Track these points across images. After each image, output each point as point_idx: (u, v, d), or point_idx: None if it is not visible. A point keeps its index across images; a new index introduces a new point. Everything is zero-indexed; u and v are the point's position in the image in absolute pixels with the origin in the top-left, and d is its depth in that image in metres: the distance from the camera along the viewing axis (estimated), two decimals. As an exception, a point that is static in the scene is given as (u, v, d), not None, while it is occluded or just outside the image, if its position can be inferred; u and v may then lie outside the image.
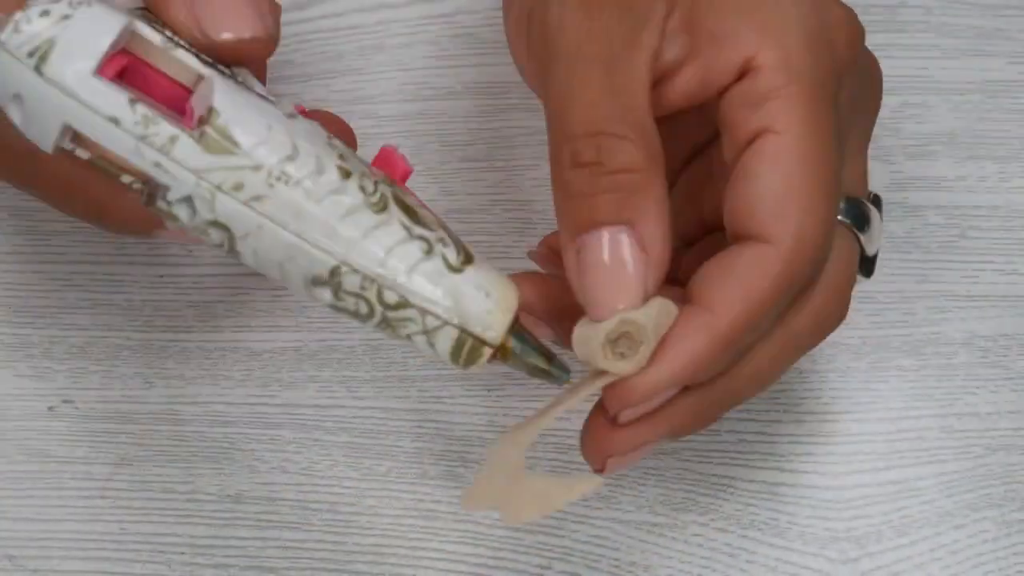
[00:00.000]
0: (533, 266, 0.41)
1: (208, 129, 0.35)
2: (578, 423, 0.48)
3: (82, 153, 0.36)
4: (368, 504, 0.47)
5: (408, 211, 0.37)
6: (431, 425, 0.48)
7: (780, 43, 0.37)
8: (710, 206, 0.41)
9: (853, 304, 0.49)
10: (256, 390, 0.49)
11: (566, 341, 0.38)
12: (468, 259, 0.37)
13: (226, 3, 0.37)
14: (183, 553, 0.47)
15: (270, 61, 0.52)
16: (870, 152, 0.50)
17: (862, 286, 0.41)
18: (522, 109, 0.50)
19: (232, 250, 0.36)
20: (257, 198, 0.35)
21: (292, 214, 0.35)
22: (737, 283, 0.36)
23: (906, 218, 0.50)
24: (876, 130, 0.50)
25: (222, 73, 0.36)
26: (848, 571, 0.46)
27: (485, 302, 0.36)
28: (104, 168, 0.36)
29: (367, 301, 0.36)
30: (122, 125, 0.35)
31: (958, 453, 0.47)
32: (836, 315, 0.40)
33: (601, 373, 0.36)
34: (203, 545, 0.47)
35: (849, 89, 0.38)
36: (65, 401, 0.49)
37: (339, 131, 0.40)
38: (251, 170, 0.35)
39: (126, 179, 0.36)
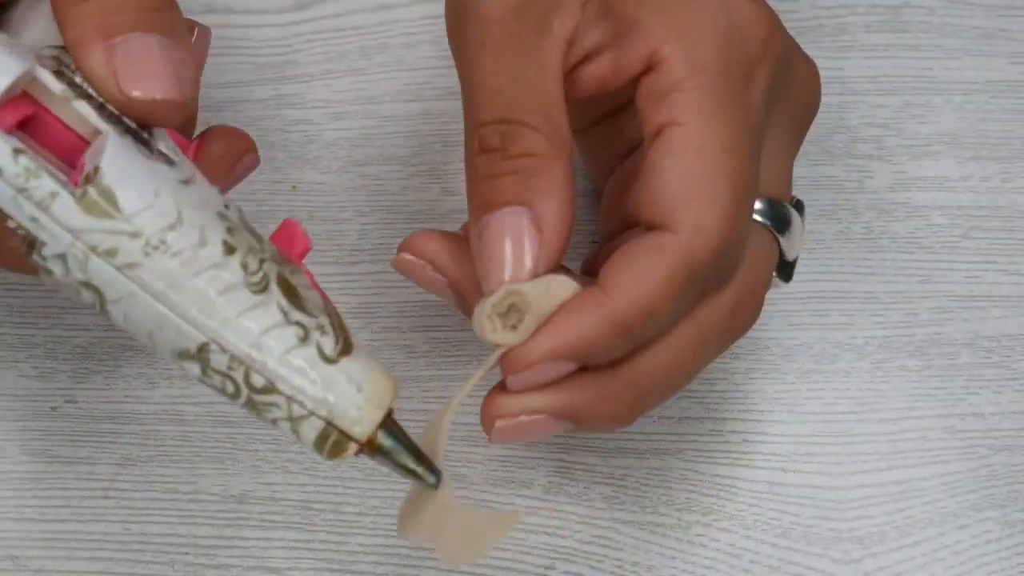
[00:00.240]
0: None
1: (91, 189, 0.34)
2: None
3: None
4: (372, 504, 0.47)
5: (291, 294, 0.36)
6: (434, 425, 0.48)
7: (685, 37, 0.38)
8: (634, 201, 0.41)
9: (856, 304, 0.49)
10: (259, 390, 0.49)
11: (466, 310, 0.39)
12: (346, 350, 0.36)
13: (144, 58, 0.36)
14: (186, 553, 0.47)
15: (272, 61, 0.52)
16: (872, 152, 0.51)
17: (865, 283, 0.42)
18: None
19: (103, 311, 0.35)
20: (131, 265, 0.35)
21: (166, 285, 0.35)
22: (635, 267, 0.37)
23: (909, 218, 0.50)
24: (880, 130, 0.51)
25: (127, 128, 0.36)
26: (851, 571, 0.46)
27: (356, 397, 0.36)
28: None
29: (234, 382, 0.35)
30: (4, 175, 0.34)
31: (961, 453, 0.47)
32: (748, 316, 0.40)
33: (497, 347, 0.37)
34: (206, 545, 0.47)
35: (765, 85, 0.39)
36: (68, 401, 0.49)
37: (239, 147, 0.40)
38: (129, 236, 0.34)
39: (11, 223, 0.35)
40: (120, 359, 0.49)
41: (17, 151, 0.34)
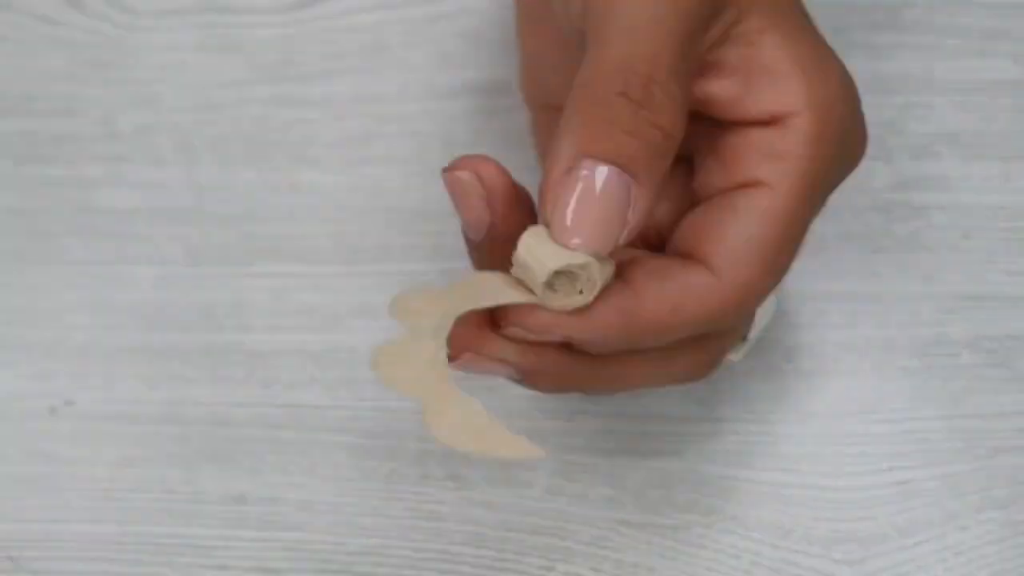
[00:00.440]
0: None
1: None
2: (582, 423, 0.48)
3: None
4: (371, 505, 0.47)
5: None
6: (434, 426, 0.48)
7: (821, 116, 0.38)
8: (684, 231, 0.40)
9: (857, 304, 0.49)
10: (258, 391, 0.49)
11: (481, 261, 0.38)
12: None
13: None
14: (185, 554, 0.47)
15: (272, 61, 0.52)
16: (873, 152, 0.50)
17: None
18: (524, 109, 0.50)
19: None
20: None
21: None
22: (671, 293, 0.37)
23: (910, 218, 0.50)
24: (880, 130, 0.51)
25: None
26: (853, 572, 0.46)
27: None
28: None
29: None
30: None
31: (963, 454, 0.47)
32: (697, 372, 0.41)
33: (526, 290, 0.36)
34: (205, 546, 0.47)
35: (829, 193, 0.40)
36: (67, 402, 0.49)
37: None
38: None
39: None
40: (119, 360, 0.49)
41: None
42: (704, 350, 0.40)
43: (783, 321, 0.49)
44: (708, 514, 0.47)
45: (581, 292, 0.37)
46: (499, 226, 0.37)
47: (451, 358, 0.38)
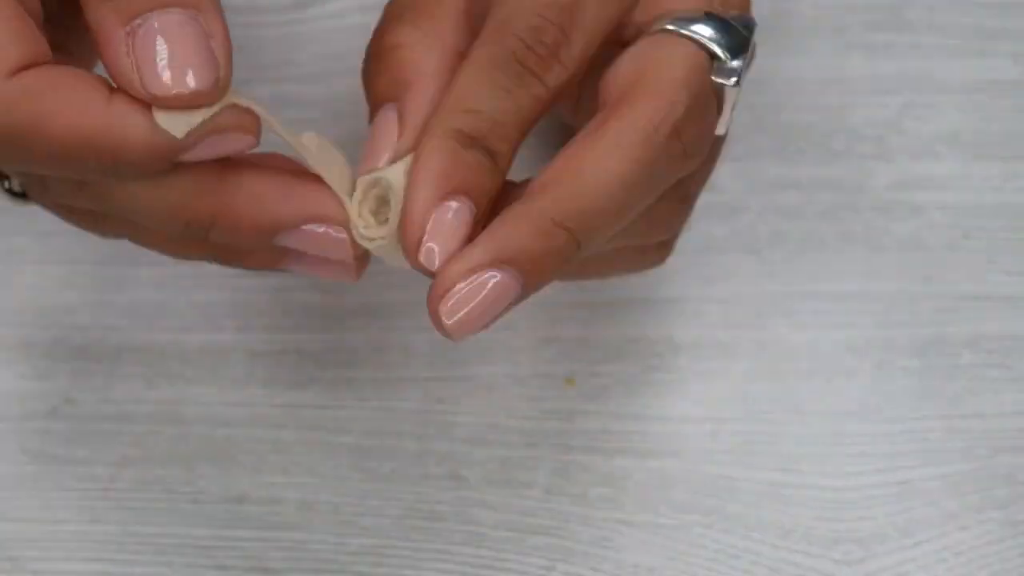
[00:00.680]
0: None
1: None
2: (581, 423, 0.48)
3: None
4: (371, 505, 0.47)
5: None
6: (433, 426, 0.48)
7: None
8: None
9: (857, 304, 0.49)
10: (258, 391, 0.49)
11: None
12: None
13: (168, 43, 0.34)
14: (185, 554, 0.47)
15: (272, 61, 0.52)
16: (873, 152, 0.51)
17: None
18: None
19: None
20: None
21: None
22: (579, 153, 0.37)
23: (910, 218, 0.50)
24: (881, 130, 0.51)
25: None
26: (852, 573, 0.46)
27: None
28: None
29: None
30: None
31: (963, 454, 0.47)
32: (696, 141, 0.39)
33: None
34: (205, 546, 0.47)
35: None
36: (67, 402, 0.49)
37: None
38: None
39: None
40: (119, 359, 0.49)
41: None
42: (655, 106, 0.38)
43: (783, 321, 0.49)
44: (708, 514, 0.47)
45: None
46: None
47: (448, 329, 0.36)
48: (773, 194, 0.50)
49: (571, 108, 0.42)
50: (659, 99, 0.37)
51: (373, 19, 0.52)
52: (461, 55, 0.38)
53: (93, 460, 0.48)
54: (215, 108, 0.35)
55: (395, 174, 0.37)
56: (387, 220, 0.37)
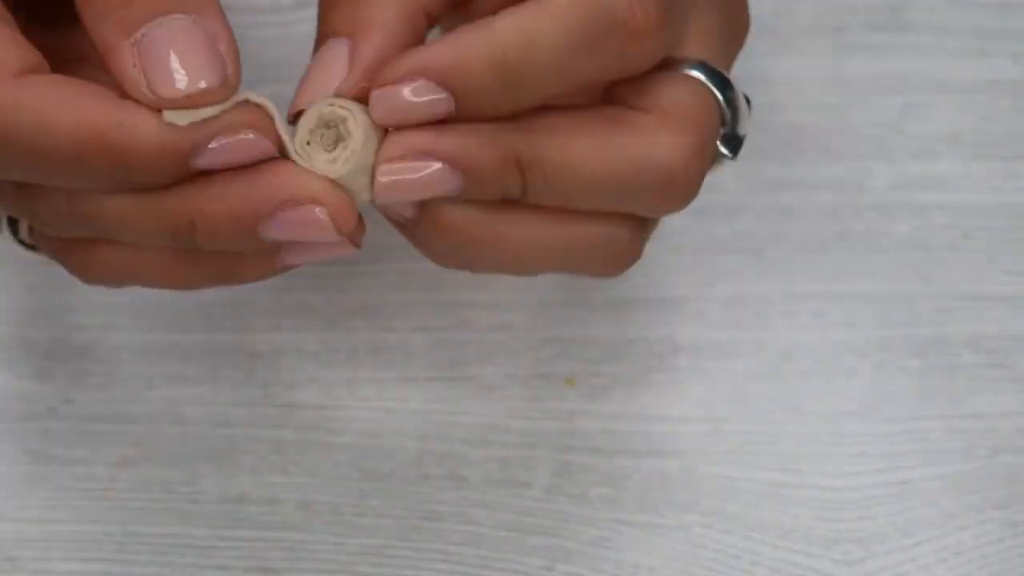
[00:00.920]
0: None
1: None
2: (581, 423, 0.48)
3: None
4: (371, 505, 0.47)
5: None
6: (433, 426, 0.48)
7: None
8: None
9: (857, 304, 0.49)
10: (258, 391, 0.49)
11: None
12: None
13: (173, 49, 0.35)
14: (184, 554, 0.47)
15: (272, 61, 0.51)
16: (873, 152, 0.51)
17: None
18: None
19: None
20: None
21: None
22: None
23: (910, 218, 0.50)
24: (880, 130, 0.51)
25: None
26: (852, 573, 0.46)
27: None
28: None
29: None
30: None
31: (963, 454, 0.47)
32: (682, 175, 0.37)
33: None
34: (205, 546, 0.47)
35: None
36: (66, 402, 0.49)
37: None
38: None
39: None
40: (118, 360, 0.49)
41: None
42: (649, 124, 0.37)
43: (783, 321, 0.49)
44: (708, 514, 0.47)
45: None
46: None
47: (374, 196, 0.37)
48: (773, 194, 0.50)
49: None
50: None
51: (373, 19, 0.52)
52: (423, 9, 0.37)
53: (93, 460, 0.48)
54: (225, 105, 0.35)
55: (353, 107, 0.36)
56: (334, 150, 0.36)
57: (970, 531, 0.47)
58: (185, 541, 0.47)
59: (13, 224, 0.41)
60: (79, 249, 0.38)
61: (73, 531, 0.47)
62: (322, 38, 0.38)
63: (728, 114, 0.39)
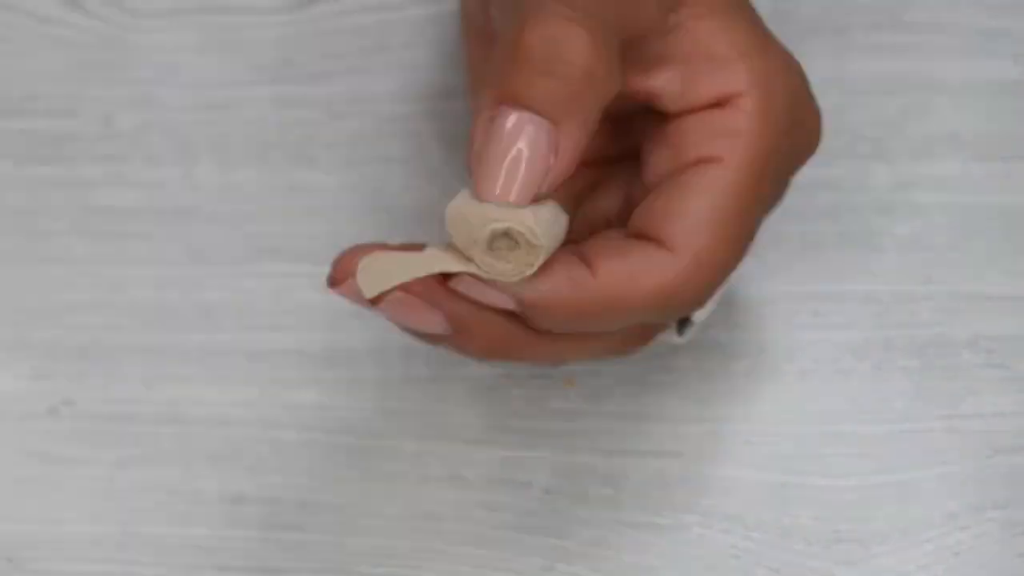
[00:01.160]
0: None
1: None
2: (581, 424, 0.48)
3: None
4: (371, 505, 0.47)
5: None
6: (433, 427, 0.48)
7: (766, 94, 0.38)
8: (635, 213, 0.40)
9: (856, 304, 0.49)
10: (258, 391, 0.49)
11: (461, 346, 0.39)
12: None
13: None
14: (185, 554, 0.47)
15: (272, 61, 0.52)
16: (872, 152, 0.51)
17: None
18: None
19: None
20: None
21: None
22: (627, 267, 0.37)
23: (910, 218, 0.50)
24: (881, 131, 0.51)
25: None
26: (852, 573, 0.46)
27: None
28: None
29: None
30: None
31: (962, 454, 0.47)
32: (629, 347, 0.41)
33: (469, 259, 0.36)
34: (205, 546, 0.47)
35: (789, 179, 0.41)
36: (66, 402, 0.49)
37: None
38: None
39: None
40: (119, 359, 0.49)
41: None
42: (641, 330, 0.40)
43: (782, 321, 0.49)
44: (708, 514, 0.47)
45: (529, 265, 0.36)
46: (459, 311, 0.38)
47: (375, 303, 0.37)
48: (773, 194, 0.50)
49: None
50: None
51: (373, 19, 0.52)
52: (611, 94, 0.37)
53: (93, 460, 0.48)
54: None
55: (539, 225, 0.35)
56: (498, 250, 0.36)
57: (970, 531, 0.47)
58: (185, 541, 0.47)
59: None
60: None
61: (73, 531, 0.47)
62: (512, 100, 0.36)
63: None
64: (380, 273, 0.37)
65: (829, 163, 0.50)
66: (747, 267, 0.49)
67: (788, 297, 0.49)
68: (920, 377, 0.48)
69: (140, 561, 0.47)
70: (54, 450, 0.48)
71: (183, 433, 0.48)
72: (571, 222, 0.39)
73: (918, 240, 0.50)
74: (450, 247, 0.37)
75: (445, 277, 0.38)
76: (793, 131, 0.40)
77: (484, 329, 0.38)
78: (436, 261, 0.36)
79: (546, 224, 0.36)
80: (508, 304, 0.37)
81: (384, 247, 0.38)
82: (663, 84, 0.39)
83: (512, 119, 0.35)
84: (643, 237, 0.38)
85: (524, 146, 0.35)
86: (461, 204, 0.36)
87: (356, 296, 0.38)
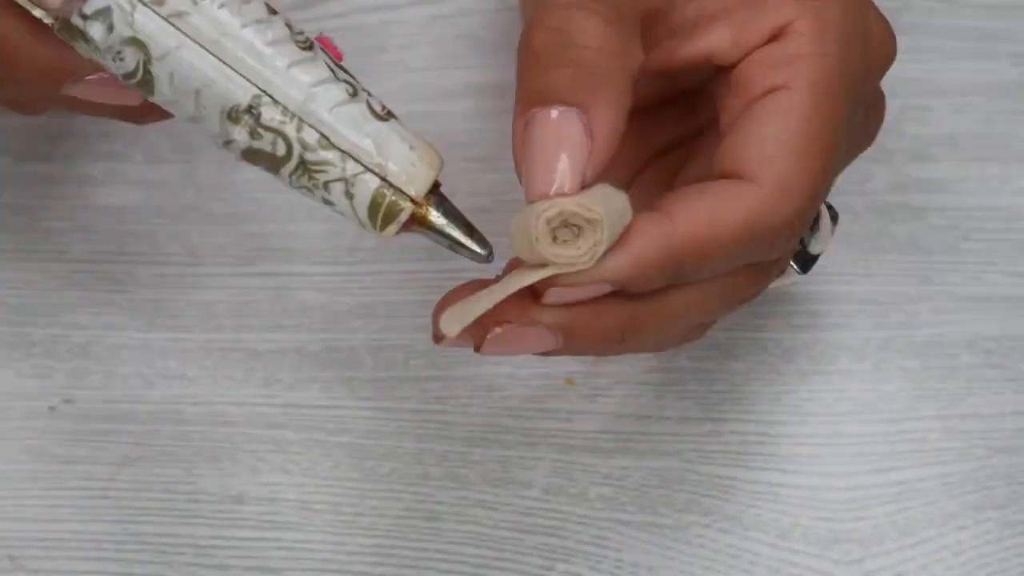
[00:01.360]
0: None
1: None
2: (581, 424, 0.48)
3: None
4: (370, 505, 0.47)
5: (333, 60, 0.35)
6: (433, 426, 0.48)
7: (818, 15, 0.37)
8: (714, 157, 0.39)
9: (856, 305, 0.49)
10: (258, 390, 0.49)
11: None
12: (391, 114, 0.35)
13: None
14: (184, 554, 0.47)
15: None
16: (871, 154, 0.50)
17: (856, 286, 0.41)
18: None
19: (146, 76, 0.34)
20: (179, 15, 0.34)
21: (215, 34, 0.34)
22: (707, 205, 0.36)
23: (909, 220, 0.50)
24: (879, 133, 0.51)
25: None
26: (851, 572, 0.46)
27: (409, 154, 0.35)
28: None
29: (285, 139, 0.35)
30: None
31: (961, 454, 0.47)
32: (746, 294, 0.39)
33: (541, 265, 0.35)
34: (204, 546, 0.47)
35: (868, 94, 0.39)
36: (66, 401, 0.49)
37: None
38: None
39: (37, 13, 0.35)
40: (118, 359, 0.49)
41: None
42: (751, 270, 0.38)
43: (782, 322, 0.49)
44: (707, 514, 0.47)
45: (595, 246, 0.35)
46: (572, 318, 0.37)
47: (478, 347, 0.36)
48: (772, 195, 0.50)
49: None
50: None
51: (373, 19, 0.52)
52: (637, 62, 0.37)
53: (93, 460, 0.48)
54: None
55: (592, 204, 0.35)
56: (566, 242, 0.35)
57: (968, 531, 0.47)
58: (185, 540, 0.47)
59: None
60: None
61: (73, 531, 0.47)
62: (537, 100, 0.36)
63: (806, 232, 0.40)
64: (464, 314, 0.36)
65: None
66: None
67: (788, 297, 0.49)
68: (919, 377, 0.48)
69: (140, 561, 0.47)
70: (54, 449, 0.48)
71: (183, 432, 0.48)
72: None
73: (916, 241, 0.50)
74: (525, 266, 0.36)
75: (536, 295, 0.36)
76: (859, 44, 0.38)
77: (592, 323, 0.37)
78: (511, 282, 0.36)
79: (599, 198, 0.35)
80: (603, 288, 0.36)
81: (469, 286, 0.37)
82: (713, 42, 0.38)
83: (541, 117, 0.35)
84: (732, 176, 0.37)
85: (558, 139, 0.35)
86: (518, 216, 0.35)
87: (463, 344, 0.37)
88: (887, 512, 0.47)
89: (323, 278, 0.49)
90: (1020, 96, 0.51)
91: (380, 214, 0.35)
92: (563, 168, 0.35)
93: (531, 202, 0.35)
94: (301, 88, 0.35)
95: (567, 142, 0.35)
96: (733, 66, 0.38)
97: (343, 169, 0.35)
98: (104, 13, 0.34)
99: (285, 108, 0.35)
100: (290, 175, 0.35)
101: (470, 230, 0.36)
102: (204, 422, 0.48)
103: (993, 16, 0.51)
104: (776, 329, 0.49)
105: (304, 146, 0.35)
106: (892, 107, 0.51)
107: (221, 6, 0.34)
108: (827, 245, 0.41)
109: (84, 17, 0.34)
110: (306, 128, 0.35)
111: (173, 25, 0.34)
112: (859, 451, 0.48)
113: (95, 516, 0.47)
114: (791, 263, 0.41)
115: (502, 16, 0.51)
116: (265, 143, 0.35)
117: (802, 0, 0.38)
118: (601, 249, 0.35)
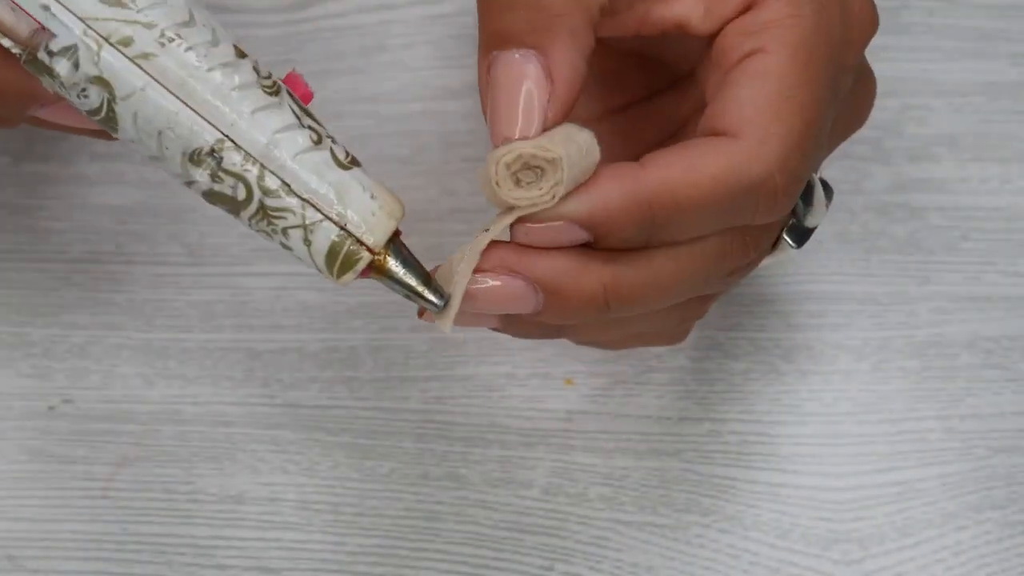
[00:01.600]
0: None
1: None
2: (581, 424, 0.48)
3: None
4: (370, 505, 0.47)
5: (299, 106, 0.36)
6: (433, 426, 0.48)
7: None
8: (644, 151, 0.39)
9: (855, 305, 0.49)
10: (257, 390, 0.49)
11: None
12: (355, 162, 0.36)
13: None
14: (184, 554, 0.47)
15: (272, 61, 0.51)
16: (870, 154, 0.51)
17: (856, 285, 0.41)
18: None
19: (110, 113, 0.35)
20: (145, 56, 0.34)
21: (180, 77, 0.34)
22: (684, 155, 0.36)
23: (908, 220, 0.50)
24: (878, 133, 0.51)
25: None
26: (851, 572, 0.46)
27: (370, 203, 0.35)
28: None
29: (246, 184, 0.35)
30: None
31: (961, 454, 0.48)
32: (733, 262, 0.39)
33: (510, 209, 0.35)
34: (204, 546, 0.47)
35: (851, 66, 0.38)
36: (66, 400, 0.49)
37: None
38: (143, 26, 0.34)
39: (5, 43, 0.35)
40: (117, 358, 0.49)
41: None
42: (739, 235, 0.38)
43: (781, 322, 0.49)
44: (706, 514, 0.47)
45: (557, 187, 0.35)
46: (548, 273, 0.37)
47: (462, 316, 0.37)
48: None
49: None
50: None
51: (372, 19, 0.52)
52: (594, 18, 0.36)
53: (92, 459, 0.48)
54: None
55: (551, 144, 0.34)
56: (529, 185, 0.35)
57: (968, 531, 0.47)
58: (184, 540, 0.47)
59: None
60: None
61: (72, 530, 0.47)
62: (497, 43, 0.36)
63: (800, 205, 0.40)
64: (445, 280, 0.37)
65: (828, 164, 0.50)
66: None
67: (788, 297, 0.49)
68: (918, 377, 0.48)
69: (140, 561, 0.47)
70: (54, 449, 0.48)
71: (182, 432, 0.48)
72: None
73: (916, 241, 0.50)
74: (494, 220, 0.36)
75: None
76: (837, 7, 0.38)
77: (574, 281, 0.36)
78: (483, 237, 0.36)
79: (559, 138, 0.35)
80: (574, 231, 0.35)
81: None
82: (685, 10, 0.38)
83: (502, 60, 0.35)
84: (714, 133, 0.37)
85: (517, 81, 0.35)
86: (482, 165, 0.36)
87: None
88: (887, 512, 0.47)
89: (323, 278, 0.49)
90: (1020, 96, 0.51)
91: (337, 262, 0.36)
92: (523, 112, 0.35)
93: (496, 146, 0.35)
94: (265, 133, 0.35)
95: (526, 84, 0.35)
96: (711, 42, 0.38)
97: (303, 216, 0.35)
98: (70, 50, 0.34)
99: (247, 153, 0.35)
100: (250, 219, 0.36)
101: (426, 279, 0.37)
102: (204, 422, 0.48)
103: (993, 16, 0.52)
104: (776, 329, 0.49)
105: (265, 191, 0.35)
106: (892, 107, 0.51)
107: (188, 49, 0.35)
108: (821, 219, 0.41)
109: (50, 53, 0.34)
110: (268, 174, 0.35)
111: (139, 66, 0.34)
112: (859, 451, 0.48)
113: (95, 516, 0.47)
114: (785, 236, 0.40)
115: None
116: (226, 187, 0.35)
117: None
118: (562, 189, 0.35)
